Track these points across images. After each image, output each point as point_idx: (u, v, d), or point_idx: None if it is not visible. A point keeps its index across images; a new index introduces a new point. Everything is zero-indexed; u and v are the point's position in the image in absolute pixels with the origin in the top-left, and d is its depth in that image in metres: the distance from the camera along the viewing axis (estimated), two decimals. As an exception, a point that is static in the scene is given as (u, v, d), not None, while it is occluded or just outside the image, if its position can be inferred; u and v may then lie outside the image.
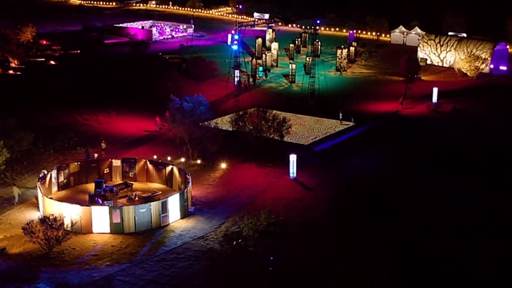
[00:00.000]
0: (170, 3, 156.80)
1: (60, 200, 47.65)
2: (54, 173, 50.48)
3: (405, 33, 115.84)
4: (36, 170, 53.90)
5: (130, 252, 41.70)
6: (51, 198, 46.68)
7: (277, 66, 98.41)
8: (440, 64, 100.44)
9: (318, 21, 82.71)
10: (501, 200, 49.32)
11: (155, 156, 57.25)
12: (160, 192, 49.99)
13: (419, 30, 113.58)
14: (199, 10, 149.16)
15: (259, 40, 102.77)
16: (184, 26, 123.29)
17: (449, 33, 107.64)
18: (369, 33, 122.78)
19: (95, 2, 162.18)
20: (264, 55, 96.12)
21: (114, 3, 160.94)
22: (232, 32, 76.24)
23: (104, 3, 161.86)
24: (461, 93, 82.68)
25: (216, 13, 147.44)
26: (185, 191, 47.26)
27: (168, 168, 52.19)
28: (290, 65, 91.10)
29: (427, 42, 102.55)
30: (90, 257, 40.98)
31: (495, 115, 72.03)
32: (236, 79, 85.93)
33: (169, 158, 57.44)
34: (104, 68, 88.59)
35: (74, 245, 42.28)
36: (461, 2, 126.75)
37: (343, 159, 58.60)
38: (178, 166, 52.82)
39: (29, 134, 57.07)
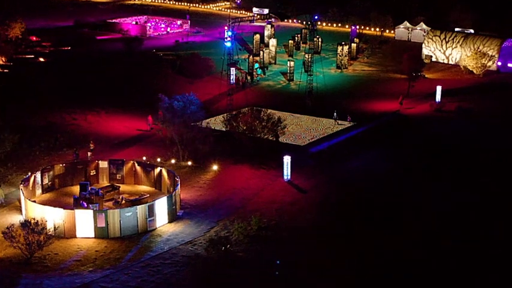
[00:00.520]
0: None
1: (44, 203, 47.73)
2: (38, 175, 50.53)
3: (410, 29, 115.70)
4: (21, 172, 53.96)
5: (114, 257, 41.80)
6: (34, 201, 46.74)
7: (275, 63, 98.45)
8: (445, 61, 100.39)
9: (316, 17, 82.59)
10: (506, 203, 49.36)
11: (144, 158, 57.33)
12: (148, 195, 50.04)
13: (424, 26, 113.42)
14: (196, 5, 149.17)
15: (257, 36, 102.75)
16: (180, 22, 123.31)
17: (456, 29, 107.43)
18: (372, 29, 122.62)
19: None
20: (261, 52, 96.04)
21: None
22: (225, 28, 76.15)
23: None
24: (466, 92, 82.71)
25: (214, 8, 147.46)
26: (173, 193, 47.29)
27: (157, 170, 52.24)
28: (288, 62, 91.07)
29: (432, 39, 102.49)
30: (73, 262, 41.10)
31: (502, 115, 71.86)
32: (232, 77, 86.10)
33: (159, 160, 57.55)
34: (95, 65, 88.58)
35: (57, 250, 42.41)
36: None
37: (340, 161, 58.65)
38: (167, 168, 52.87)
39: (14, 134, 57.13)
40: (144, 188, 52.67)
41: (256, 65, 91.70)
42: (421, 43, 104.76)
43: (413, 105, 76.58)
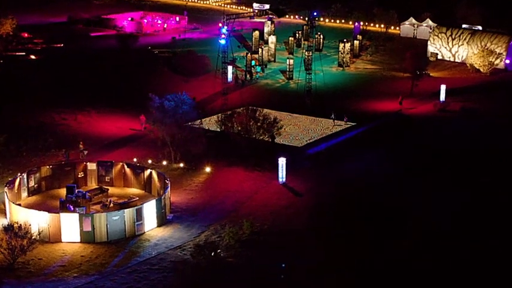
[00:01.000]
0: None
1: (30, 206, 47.90)
2: (24, 177, 50.65)
3: (416, 26, 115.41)
4: (7, 174, 54.13)
5: (100, 263, 41.92)
6: (19, 204, 46.89)
7: (274, 61, 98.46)
8: (452, 59, 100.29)
9: (315, 13, 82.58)
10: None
11: (135, 159, 57.48)
12: (137, 198, 50.17)
13: (431, 23, 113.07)
14: (195, 0, 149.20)
15: (256, 33, 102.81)
16: (178, 18, 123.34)
17: (463, 26, 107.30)
18: (377, 25, 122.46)
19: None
20: (260, 49, 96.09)
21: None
22: (220, 25, 76.33)
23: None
24: (472, 91, 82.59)
25: (213, 3, 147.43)
26: (162, 196, 47.37)
27: (147, 172, 52.32)
28: (288, 60, 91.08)
29: (437, 36, 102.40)
30: (57, 268, 41.24)
31: (509, 115, 71.71)
32: (230, 75, 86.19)
33: (150, 161, 57.66)
34: (87, 63, 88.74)
35: (41, 254, 42.56)
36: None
37: (337, 162, 58.68)
38: (157, 170, 52.95)
39: (0, 134, 57.22)
40: (134, 190, 52.76)
41: (253, 63, 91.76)
42: (427, 40, 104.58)
43: (415, 106, 76.52)
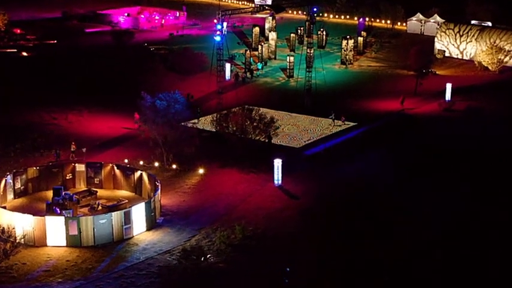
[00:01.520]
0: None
1: (16, 208, 48.08)
2: (9, 178, 50.85)
3: (423, 22, 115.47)
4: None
5: (86, 267, 42.04)
6: (4, 207, 47.08)
7: (275, 58, 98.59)
8: (459, 56, 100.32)
9: (315, 9, 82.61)
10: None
11: (126, 160, 57.63)
12: (126, 201, 50.21)
13: (438, 19, 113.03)
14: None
15: (257, 29, 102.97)
16: (178, 14, 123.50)
17: (472, 22, 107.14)
18: (383, 21, 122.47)
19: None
20: (260, 46, 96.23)
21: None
22: (215, 21, 76.52)
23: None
24: (480, 90, 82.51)
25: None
26: (152, 199, 47.50)
27: (137, 174, 52.47)
28: (288, 57, 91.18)
29: (445, 32, 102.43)
30: (42, 273, 41.35)
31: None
32: (228, 73, 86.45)
33: (141, 163, 57.80)
34: (81, 61, 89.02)
35: (25, 259, 42.69)
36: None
37: (336, 164, 58.66)
38: (148, 172, 53.10)
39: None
40: (124, 193, 52.90)
41: (252, 61, 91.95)
42: (435, 37, 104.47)
43: (417, 106, 76.42)
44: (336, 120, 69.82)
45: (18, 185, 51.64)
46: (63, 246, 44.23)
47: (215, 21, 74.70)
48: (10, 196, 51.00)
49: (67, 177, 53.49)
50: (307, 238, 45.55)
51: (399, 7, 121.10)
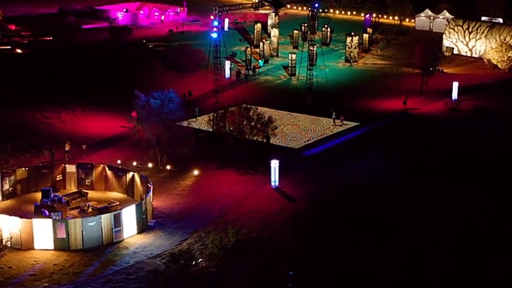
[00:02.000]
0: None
1: (4, 211, 48.33)
2: (-3, 179, 51.20)
3: (432, 18, 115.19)
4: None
5: (73, 272, 42.19)
6: (-10, 209, 47.38)
7: (277, 56, 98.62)
8: (468, 54, 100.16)
9: (317, 5, 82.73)
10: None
11: (119, 161, 57.78)
12: (117, 203, 50.39)
13: (448, 15, 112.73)
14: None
15: (258, 26, 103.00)
16: (179, 10, 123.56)
17: (483, 18, 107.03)
18: (390, 17, 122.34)
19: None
20: (261, 43, 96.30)
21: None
22: (211, 17, 76.64)
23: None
24: (488, 89, 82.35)
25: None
26: (143, 201, 47.63)
27: (129, 175, 52.61)
28: (290, 55, 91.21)
29: (453, 29, 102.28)
30: (27, 277, 41.52)
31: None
32: (228, 71, 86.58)
33: (135, 163, 57.95)
34: (76, 58, 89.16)
35: (11, 263, 42.91)
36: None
37: (335, 166, 58.65)
38: (140, 173, 53.24)
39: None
40: (115, 194, 53.06)
41: (253, 60, 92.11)
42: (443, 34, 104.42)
43: (423, 105, 76.38)
44: (336, 120, 69.81)
45: (6, 187, 51.82)
46: (51, 250, 44.41)
47: (212, 17, 74.63)
48: (-2, 198, 51.28)
49: (57, 179, 53.66)
50: (302, 242, 45.52)
51: (407, 3, 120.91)
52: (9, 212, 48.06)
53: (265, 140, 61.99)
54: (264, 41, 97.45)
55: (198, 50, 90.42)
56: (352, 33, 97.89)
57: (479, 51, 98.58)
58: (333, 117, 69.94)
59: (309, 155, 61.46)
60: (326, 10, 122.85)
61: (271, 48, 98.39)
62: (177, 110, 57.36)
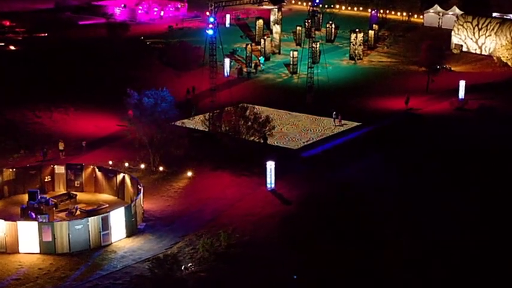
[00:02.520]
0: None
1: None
2: (-17, 181, 51.44)
3: (441, 14, 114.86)
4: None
5: (59, 276, 42.39)
6: (-24, 211, 47.59)
7: (279, 53, 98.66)
8: (478, 51, 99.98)
9: (317, 0, 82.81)
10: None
11: (111, 162, 57.95)
12: (107, 205, 50.60)
13: (458, 11, 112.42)
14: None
15: (260, 22, 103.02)
16: (180, 6, 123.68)
17: (494, 14, 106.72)
18: (398, 13, 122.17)
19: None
20: (262, 40, 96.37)
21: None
22: (207, 13, 76.65)
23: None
24: (496, 88, 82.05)
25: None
26: (132, 204, 47.76)
27: (119, 177, 52.75)
28: (291, 52, 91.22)
29: (462, 25, 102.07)
30: (11, 281, 41.73)
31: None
32: (228, 69, 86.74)
33: (127, 164, 58.11)
34: (72, 55, 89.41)
35: (-5, 267, 43.17)
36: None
37: (334, 167, 58.61)
38: (131, 174, 53.37)
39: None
40: (105, 196, 53.23)
41: (254, 58, 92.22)
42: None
43: (427, 104, 76.27)
44: (336, 120, 69.82)
45: (-7, 188, 52.17)
46: (37, 254, 44.61)
47: (207, 13, 74.67)
48: (-16, 199, 51.53)
49: (46, 180, 53.85)
50: (295, 247, 45.55)
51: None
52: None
53: (262, 141, 61.98)
54: (265, 37, 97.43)
55: (196, 47, 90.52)
56: (357, 30, 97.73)
57: (489, 49, 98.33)
58: (334, 117, 69.89)
59: (307, 156, 61.41)
60: (332, 6, 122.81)
61: (273, 45, 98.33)
62: (169, 109, 57.46)
